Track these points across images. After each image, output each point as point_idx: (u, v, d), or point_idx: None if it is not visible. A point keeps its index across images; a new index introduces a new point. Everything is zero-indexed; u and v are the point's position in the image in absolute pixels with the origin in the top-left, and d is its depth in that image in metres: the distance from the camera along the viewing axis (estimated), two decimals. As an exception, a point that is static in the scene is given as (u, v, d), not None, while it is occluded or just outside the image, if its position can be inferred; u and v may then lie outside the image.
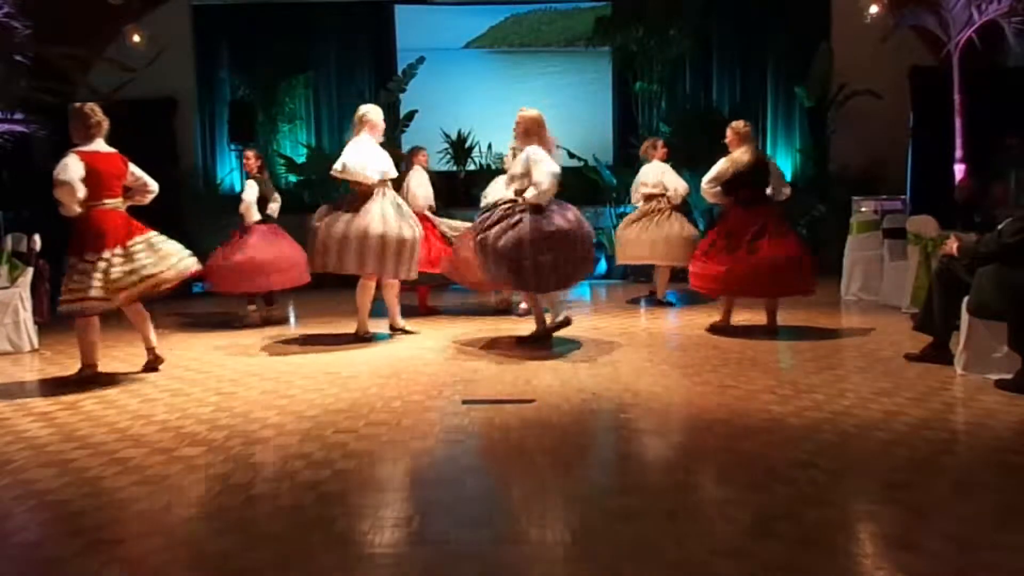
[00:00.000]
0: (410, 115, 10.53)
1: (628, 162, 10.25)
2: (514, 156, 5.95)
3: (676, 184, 7.69)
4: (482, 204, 6.72)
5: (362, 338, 6.20)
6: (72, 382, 5.09)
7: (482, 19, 11.21)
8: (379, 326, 6.43)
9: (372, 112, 6.16)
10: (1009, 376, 4.41)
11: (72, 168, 4.87)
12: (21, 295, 6.36)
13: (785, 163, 10.50)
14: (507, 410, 4.20)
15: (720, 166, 6.15)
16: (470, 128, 10.58)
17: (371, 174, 5.91)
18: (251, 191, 7.08)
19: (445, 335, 6.41)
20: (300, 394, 4.65)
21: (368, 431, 3.91)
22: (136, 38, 9.62)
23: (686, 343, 6.02)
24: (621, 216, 9.33)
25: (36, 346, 6.37)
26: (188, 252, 5.26)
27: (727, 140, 6.23)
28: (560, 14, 11.24)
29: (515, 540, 2.73)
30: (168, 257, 5.11)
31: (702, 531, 2.75)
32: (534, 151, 5.56)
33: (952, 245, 4.98)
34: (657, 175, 7.71)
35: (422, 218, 6.82)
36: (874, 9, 9.32)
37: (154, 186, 5.33)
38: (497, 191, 6.49)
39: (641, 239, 7.62)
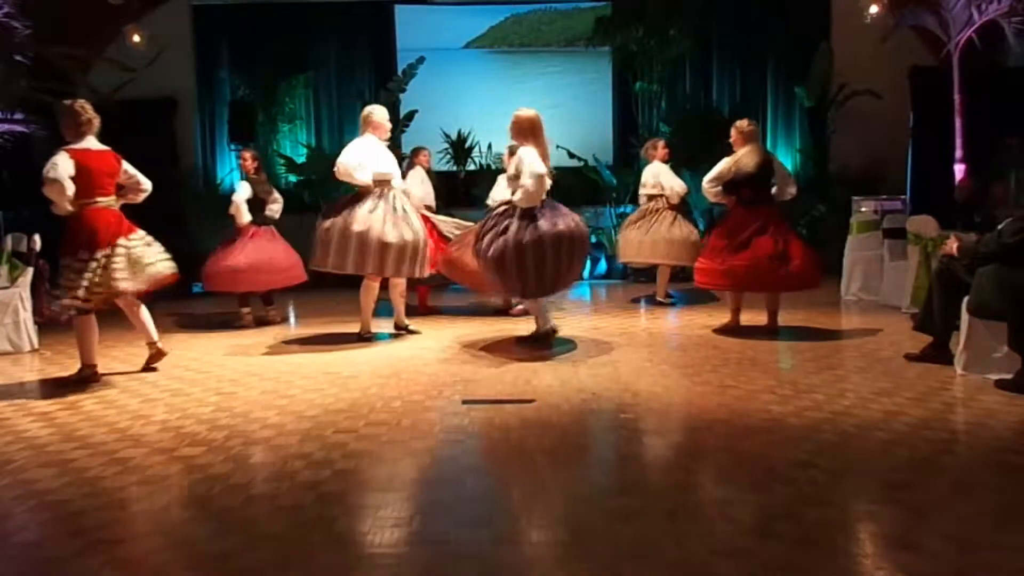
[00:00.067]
0: (410, 115, 10.52)
1: (628, 162, 10.28)
2: (510, 155, 5.95)
3: (672, 184, 7.69)
4: (489, 205, 6.77)
5: (364, 338, 6.20)
6: (72, 382, 5.08)
7: (482, 19, 11.20)
8: (379, 326, 6.43)
9: (375, 112, 6.14)
10: (1009, 376, 4.41)
11: (61, 166, 4.82)
12: (21, 295, 6.37)
13: (785, 163, 10.39)
14: (507, 410, 4.20)
15: (722, 166, 6.13)
16: (470, 128, 10.57)
17: (361, 175, 5.88)
18: (242, 192, 7.06)
19: (445, 335, 6.42)
20: (300, 394, 4.65)
21: (368, 431, 3.91)
22: (136, 38, 9.61)
23: (686, 343, 6.02)
24: (621, 216, 9.35)
25: (36, 346, 6.37)
26: (166, 256, 5.16)
27: (731, 139, 6.16)
28: (560, 14, 11.23)
29: (515, 540, 2.73)
30: (140, 264, 5.01)
31: (702, 531, 2.75)
32: (524, 152, 5.55)
33: (952, 245, 4.97)
34: (655, 176, 7.73)
35: (422, 218, 6.80)
36: (874, 9, 9.31)
37: (147, 184, 5.30)
38: (500, 192, 6.50)
39: (642, 239, 7.64)
